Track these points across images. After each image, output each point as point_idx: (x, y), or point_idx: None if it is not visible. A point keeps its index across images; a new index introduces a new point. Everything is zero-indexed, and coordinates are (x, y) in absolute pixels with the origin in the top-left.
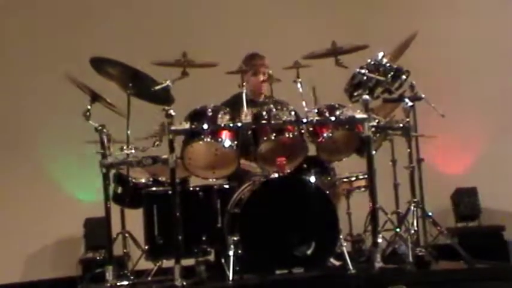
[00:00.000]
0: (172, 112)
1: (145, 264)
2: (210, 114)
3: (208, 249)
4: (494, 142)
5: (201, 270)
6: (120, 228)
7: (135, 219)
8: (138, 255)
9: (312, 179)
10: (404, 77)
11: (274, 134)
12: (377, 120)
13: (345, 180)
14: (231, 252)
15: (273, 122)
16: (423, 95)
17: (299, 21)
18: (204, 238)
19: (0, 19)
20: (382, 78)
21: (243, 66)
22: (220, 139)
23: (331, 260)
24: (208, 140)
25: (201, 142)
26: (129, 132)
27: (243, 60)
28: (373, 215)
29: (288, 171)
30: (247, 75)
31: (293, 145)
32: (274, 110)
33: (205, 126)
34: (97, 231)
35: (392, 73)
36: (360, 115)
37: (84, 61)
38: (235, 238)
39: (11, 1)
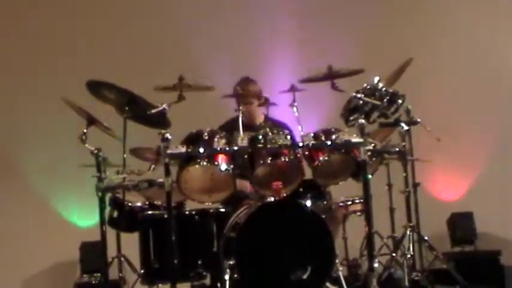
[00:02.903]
0: (168, 136)
1: None
2: (206, 138)
3: (204, 273)
4: (490, 167)
5: None
6: (115, 252)
7: (131, 243)
8: (134, 279)
9: (308, 203)
10: (400, 101)
11: (270, 158)
12: (373, 145)
13: (341, 204)
14: (226, 277)
15: (269, 146)
16: (419, 120)
17: (296, 45)
18: (199, 262)
19: None
20: (378, 102)
21: (239, 90)
22: (216, 163)
23: (327, 284)
24: (205, 163)
25: (197, 166)
26: (125, 155)
27: (236, 83)
28: (369, 240)
29: (284, 195)
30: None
31: (289, 169)
32: (270, 134)
33: (201, 150)
34: (93, 255)
35: (388, 97)
36: (355, 139)
37: (80, 84)
38: (231, 262)
39: (10, 23)
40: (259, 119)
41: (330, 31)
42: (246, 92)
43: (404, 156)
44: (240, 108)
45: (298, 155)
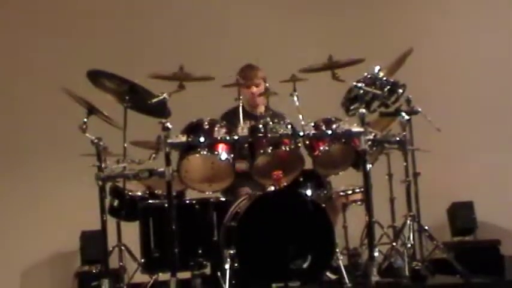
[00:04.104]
0: (169, 125)
1: (141, 278)
2: (207, 127)
3: (205, 263)
4: (490, 156)
5: (197, 283)
6: (116, 241)
7: (131, 232)
8: (134, 268)
9: (308, 192)
10: (400, 90)
11: (270, 148)
12: (373, 134)
13: (341, 194)
14: (227, 266)
15: (269, 135)
16: (420, 109)
17: (296, 34)
18: (200, 251)
19: None
20: (378, 92)
21: (239, 80)
22: (216, 152)
23: (328, 273)
24: (205, 153)
25: (197, 155)
26: (125, 145)
27: (237, 72)
28: (369, 229)
29: (284, 184)
30: (242, 87)
31: (289, 159)
32: (270, 123)
33: (201, 139)
34: (93, 245)
35: (388, 87)
36: (356, 129)
37: (81, 74)
38: (231, 251)
39: (11, 15)
40: (262, 108)
41: (331, 20)
42: (248, 76)
43: (404, 146)
44: (241, 97)
45: (299, 145)
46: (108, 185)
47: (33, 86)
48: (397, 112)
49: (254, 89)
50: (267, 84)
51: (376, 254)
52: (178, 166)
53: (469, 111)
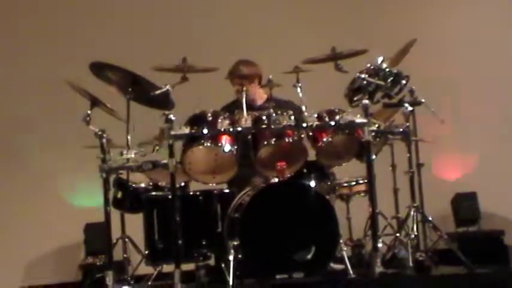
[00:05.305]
0: (172, 117)
1: (145, 269)
2: (210, 119)
3: (208, 254)
4: (494, 147)
5: (201, 275)
6: (120, 233)
7: (135, 224)
8: (138, 260)
9: (312, 183)
10: (404, 81)
11: (274, 139)
12: (377, 125)
13: (344, 185)
14: (231, 257)
15: (272, 126)
16: (423, 100)
17: (299, 25)
18: (204, 243)
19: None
20: (381, 83)
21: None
22: (220, 144)
23: (331, 264)
24: (208, 144)
25: (200, 147)
26: (129, 137)
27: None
28: (373, 220)
29: (288, 176)
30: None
31: (293, 150)
32: (274, 114)
33: (205, 130)
34: (97, 237)
35: (392, 78)
36: (359, 120)
37: (84, 66)
38: (235, 243)
39: (11, 8)
40: (260, 100)
41: (334, 11)
42: (237, 74)
43: (408, 137)
44: (244, 89)
45: (302, 136)
46: (112, 177)
47: (37, 78)
48: (400, 103)
49: (237, 87)
50: (270, 76)
51: (379, 244)
52: (182, 158)
53: (472, 101)
